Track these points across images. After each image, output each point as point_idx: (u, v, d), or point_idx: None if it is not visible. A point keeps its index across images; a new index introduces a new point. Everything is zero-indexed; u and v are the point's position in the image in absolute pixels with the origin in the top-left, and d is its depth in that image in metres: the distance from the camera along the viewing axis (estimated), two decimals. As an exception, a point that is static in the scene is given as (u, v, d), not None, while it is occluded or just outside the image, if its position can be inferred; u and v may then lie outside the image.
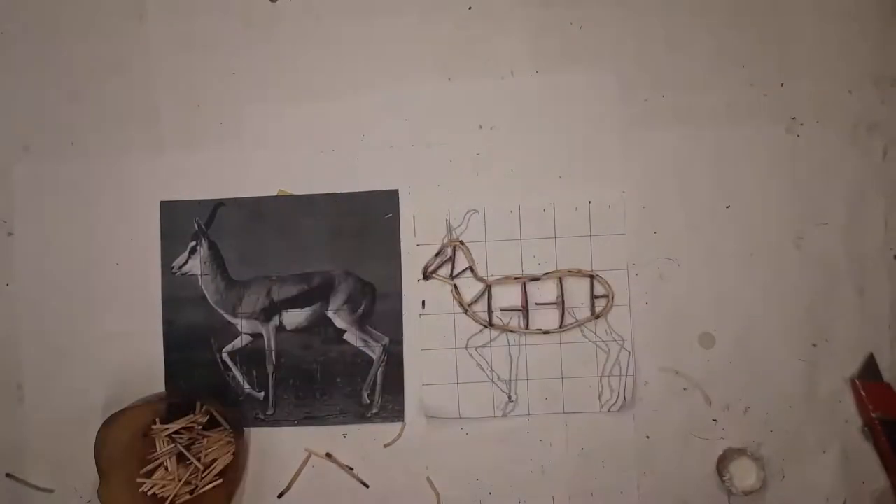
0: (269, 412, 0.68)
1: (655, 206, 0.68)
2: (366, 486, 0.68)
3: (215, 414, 0.66)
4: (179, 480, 0.65)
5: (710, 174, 0.68)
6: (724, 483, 0.65)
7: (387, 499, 0.68)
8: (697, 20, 0.68)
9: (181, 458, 0.66)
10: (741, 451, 0.66)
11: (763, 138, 0.68)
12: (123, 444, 0.65)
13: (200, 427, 0.66)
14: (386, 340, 0.69)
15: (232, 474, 0.65)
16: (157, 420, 0.66)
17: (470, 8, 0.69)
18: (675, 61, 0.68)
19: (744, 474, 0.65)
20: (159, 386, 0.68)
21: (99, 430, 0.64)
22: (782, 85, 0.68)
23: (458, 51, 0.69)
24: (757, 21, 0.68)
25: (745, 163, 0.68)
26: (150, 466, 0.66)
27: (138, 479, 0.65)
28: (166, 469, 0.66)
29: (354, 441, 0.68)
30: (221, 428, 0.66)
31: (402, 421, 0.68)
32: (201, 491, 0.65)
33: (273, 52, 0.69)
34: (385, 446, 0.68)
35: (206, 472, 0.65)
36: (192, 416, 0.66)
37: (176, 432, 0.66)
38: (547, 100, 0.69)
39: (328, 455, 0.67)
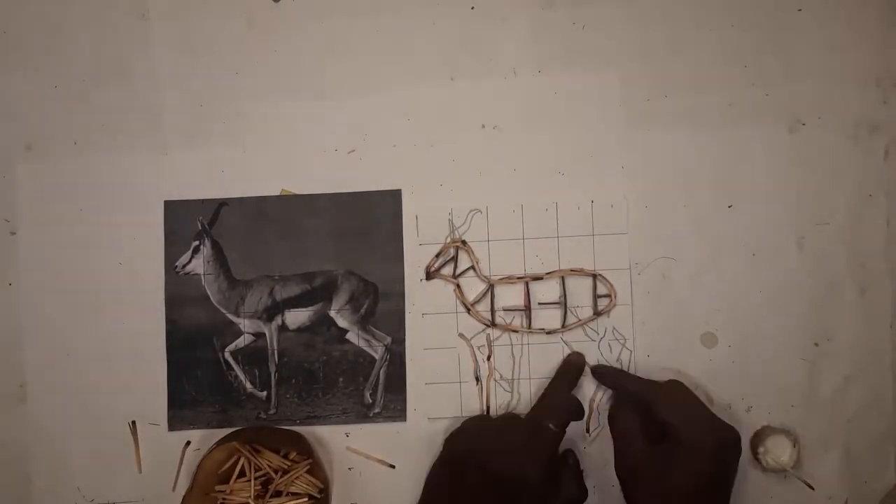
0: (272, 412, 0.69)
1: (658, 205, 0.68)
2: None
3: (306, 478, 0.66)
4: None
5: (712, 174, 0.68)
6: (757, 459, 0.66)
7: (389, 498, 0.68)
8: (700, 20, 0.69)
9: (264, 491, 0.66)
10: (777, 429, 0.66)
11: (765, 138, 0.68)
12: (219, 463, 0.66)
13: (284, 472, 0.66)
14: (388, 340, 0.69)
15: None
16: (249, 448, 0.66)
17: (473, 8, 0.69)
18: (677, 61, 0.69)
19: (778, 450, 0.65)
20: (162, 386, 0.68)
21: (212, 445, 0.65)
22: (784, 85, 0.68)
23: (460, 50, 0.69)
24: (759, 21, 0.68)
25: (747, 163, 0.68)
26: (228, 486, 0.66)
27: (217, 488, 0.65)
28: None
29: (357, 441, 0.68)
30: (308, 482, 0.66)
31: (405, 421, 0.68)
32: None
33: (276, 51, 0.69)
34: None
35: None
36: (286, 457, 0.66)
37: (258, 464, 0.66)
38: (549, 99, 0.69)
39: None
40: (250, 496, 0.65)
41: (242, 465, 0.66)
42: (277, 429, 0.68)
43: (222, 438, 0.66)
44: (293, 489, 0.65)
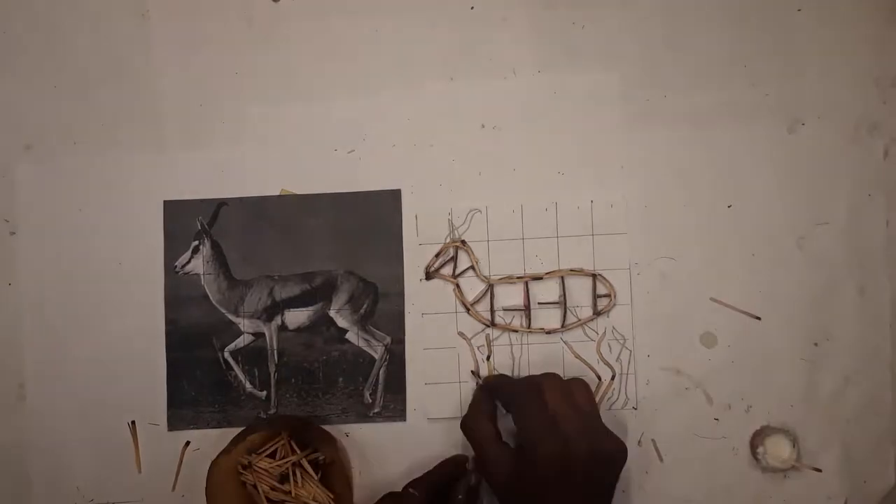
0: (271, 411, 0.68)
1: (657, 205, 0.68)
2: None
3: (318, 487, 0.65)
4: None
5: (711, 174, 0.68)
6: (756, 459, 0.66)
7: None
8: (699, 20, 0.69)
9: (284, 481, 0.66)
10: (777, 429, 0.66)
11: (765, 138, 0.68)
12: (262, 441, 0.66)
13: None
14: (388, 340, 0.69)
15: None
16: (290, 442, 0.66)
17: (472, 8, 0.69)
18: (676, 61, 0.69)
19: (778, 450, 0.65)
20: (161, 386, 0.68)
21: (255, 426, 0.66)
22: (784, 85, 0.68)
23: (460, 51, 0.69)
24: (759, 21, 0.68)
25: (747, 162, 0.68)
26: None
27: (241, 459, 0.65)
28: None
29: (357, 440, 0.68)
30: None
31: (405, 421, 0.68)
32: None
33: (276, 51, 0.69)
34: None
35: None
36: (312, 452, 0.66)
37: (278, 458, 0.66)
38: (549, 99, 0.69)
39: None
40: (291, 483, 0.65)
41: (276, 450, 0.66)
42: (316, 427, 0.67)
43: (269, 418, 0.67)
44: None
